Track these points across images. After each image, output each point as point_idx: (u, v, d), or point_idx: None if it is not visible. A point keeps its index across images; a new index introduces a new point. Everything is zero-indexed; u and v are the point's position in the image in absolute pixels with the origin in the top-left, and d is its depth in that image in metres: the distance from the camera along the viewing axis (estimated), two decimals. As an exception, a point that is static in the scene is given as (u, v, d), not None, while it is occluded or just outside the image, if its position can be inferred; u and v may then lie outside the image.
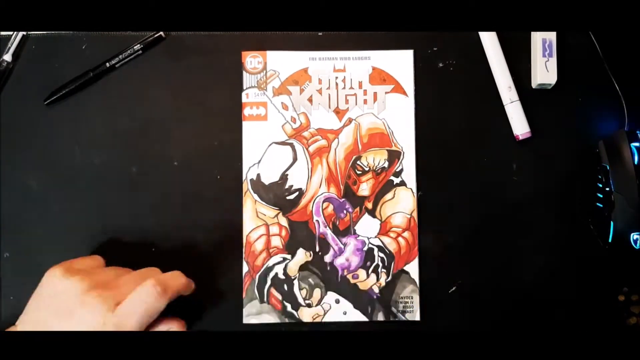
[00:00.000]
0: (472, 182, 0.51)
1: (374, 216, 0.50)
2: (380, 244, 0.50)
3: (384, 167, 0.51)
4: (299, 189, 0.50)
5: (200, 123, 0.51)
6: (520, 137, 0.51)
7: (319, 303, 0.49)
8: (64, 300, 0.42)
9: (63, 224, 0.50)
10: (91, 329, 0.41)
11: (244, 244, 0.49)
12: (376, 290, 0.50)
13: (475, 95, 0.51)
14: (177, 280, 0.44)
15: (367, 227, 0.50)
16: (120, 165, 0.50)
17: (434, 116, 0.51)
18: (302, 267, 0.50)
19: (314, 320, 0.49)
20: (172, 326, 0.45)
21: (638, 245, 0.49)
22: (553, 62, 0.51)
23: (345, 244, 0.50)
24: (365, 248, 0.50)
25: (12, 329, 0.43)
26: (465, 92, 0.51)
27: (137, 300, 0.42)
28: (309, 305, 0.49)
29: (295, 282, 0.50)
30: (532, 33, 0.52)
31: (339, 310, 0.49)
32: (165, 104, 0.51)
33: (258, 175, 0.50)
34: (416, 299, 0.50)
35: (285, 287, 0.49)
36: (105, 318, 0.41)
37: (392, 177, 0.51)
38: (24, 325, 0.42)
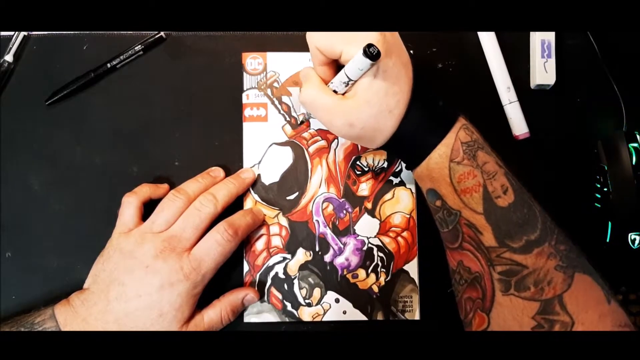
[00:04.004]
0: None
1: (373, 216, 0.50)
2: (380, 244, 0.50)
3: (384, 167, 0.51)
4: (299, 189, 0.50)
5: (201, 124, 0.51)
6: (520, 138, 0.51)
7: (318, 302, 0.50)
8: (137, 257, 0.44)
9: (64, 224, 0.50)
10: (170, 276, 0.43)
11: (244, 244, 0.50)
12: (376, 289, 0.50)
13: (474, 95, 0.52)
14: (244, 220, 0.47)
15: (366, 226, 0.50)
16: (121, 165, 0.50)
17: (433, 117, 0.51)
18: (302, 267, 0.50)
19: (314, 320, 0.49)
20: (248, 292, 0.48)
21: (636, 245, 0.49)
22: (552, 63, 0.51)
23: (344, 244, 0.50)
24: (365, 248, 0.50)
25: (82, 292, 0.44)
26: (464, 93, 0.51)
27: (212, 242, 0.45)
28: (308, 305, 0.50)
29: (295, 281, 0.50)
30: (531, 34, 0.52)
31: (339, 309, 0.50)
32: (166, 104, 0.51)
33: (258, 175, 0.50)
34: (415, 298, 0.50)
35: (286, 286, 0.50)
36: (182, 262, 0.44)
37: (391, 177, 0.51)
38: (96, 285, 0.44)
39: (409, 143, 0.43)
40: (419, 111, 0.42)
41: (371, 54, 0.37)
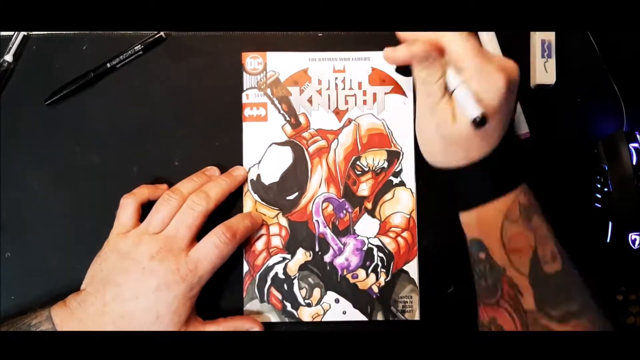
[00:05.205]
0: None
1: (373, 216, 0.50)
2: (380, 244, 0.50)
3: (384, 167, 0.51)
4: (299, 189, 0.50)
5: (201, 124, 0.51)
6: (520, 138, 0.51)
7: (318, 302, 0.50)
8: (134, 259, 0.44)
9: (63, 224, 0.50)
10: (166, 278, 0.43)
11: (244, 244, 0.50)
12: (375, 289, 0.50)
13: (474, 95, 0.52)
14: (243, 223, 0.47)
15: (366, 227, 0.50)
16: (121, 165, 0.50)
17: (433, 117, 0.51)
18: (302, 267, 0.50)
19: (314, 320, 0.49)
20: (254, 326, 0.47)
21: (636, 245, 0.49)
22: (552, 63, 0.51)
23: (344, 244, 0.50)
24: (365, 248, 0.50)
25: (78, 293, 0.44)
26: (464, 93, 0.51)
27: (209, 244, 0.45)
28: (308, 305, 0.50)
29: (295, 281, 0.50)
30: (531, 34, 0.52)
31: (339, 309, 0.50)
32: (165, 104, 0.51)
33: (258, 175, 0.50)
34: (415, 298, 0.50)
35: (285, 286, 0.50)
36: (178, 263, 0.44)
37: (391, 177, 0.51)
38: (93, 286, 0.44)
39: (468, 183, 0.43)
40: (492, 162, 0.42)
41: (478, 124, 0.39)
